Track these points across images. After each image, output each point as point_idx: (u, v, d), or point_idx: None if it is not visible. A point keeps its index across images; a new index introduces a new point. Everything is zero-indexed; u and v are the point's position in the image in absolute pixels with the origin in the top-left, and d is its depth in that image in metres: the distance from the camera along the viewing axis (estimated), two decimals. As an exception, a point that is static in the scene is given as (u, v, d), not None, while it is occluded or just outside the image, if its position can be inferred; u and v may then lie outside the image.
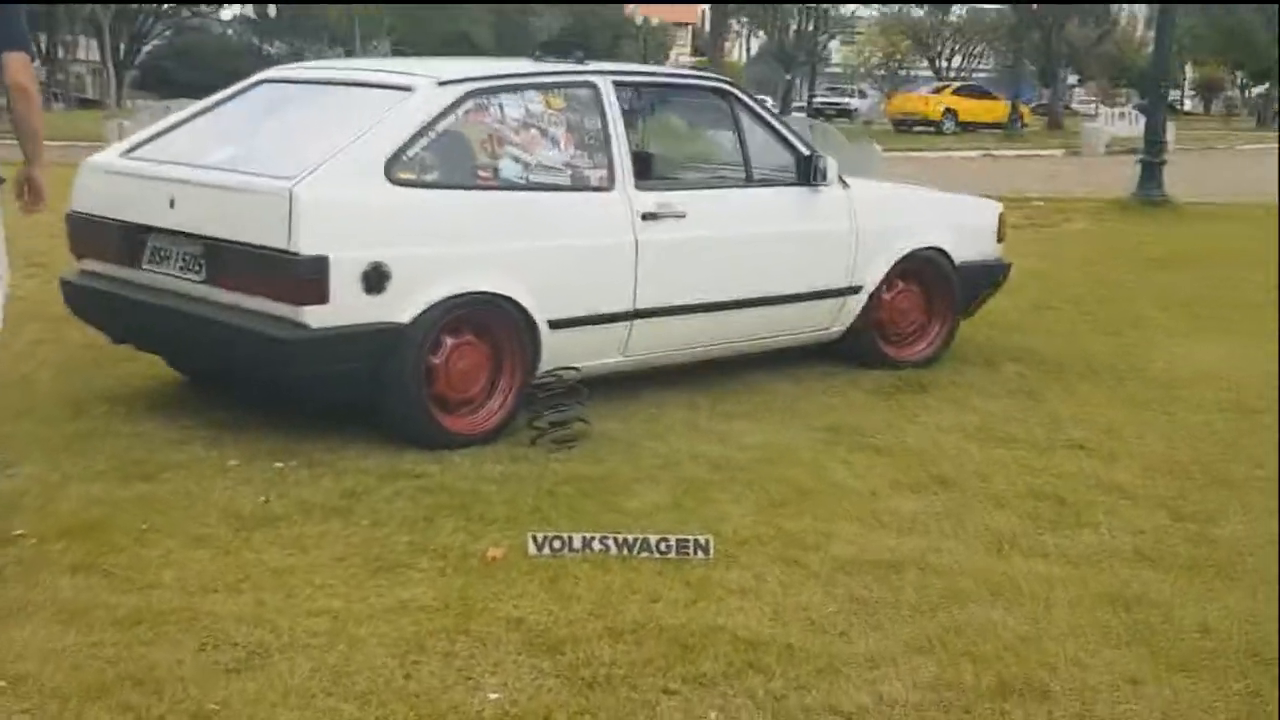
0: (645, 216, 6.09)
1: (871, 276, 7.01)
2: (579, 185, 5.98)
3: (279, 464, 5.27)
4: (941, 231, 7.29)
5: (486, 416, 5.69)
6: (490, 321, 5.66)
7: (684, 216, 6.22)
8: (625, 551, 4.36)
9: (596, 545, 4.38)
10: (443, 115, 5.62)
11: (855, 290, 6.97)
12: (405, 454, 5.39)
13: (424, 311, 5.40)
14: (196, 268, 5.55)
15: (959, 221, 7.47)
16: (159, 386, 6.41)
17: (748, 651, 3.65)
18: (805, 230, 6.75)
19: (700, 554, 4.36)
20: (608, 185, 6.04)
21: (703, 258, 6.30)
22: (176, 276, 5.62)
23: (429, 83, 5.72)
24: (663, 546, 4.37)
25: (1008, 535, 4.70)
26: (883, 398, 6.63)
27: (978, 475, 5.37)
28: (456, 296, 5.48)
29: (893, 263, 7.06)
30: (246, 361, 5.53)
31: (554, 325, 5.80)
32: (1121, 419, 6.41)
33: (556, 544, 4.38)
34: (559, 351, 5.86)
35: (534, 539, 4.38)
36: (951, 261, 7.31)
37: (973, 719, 3.36)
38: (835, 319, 6.99)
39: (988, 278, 7.64)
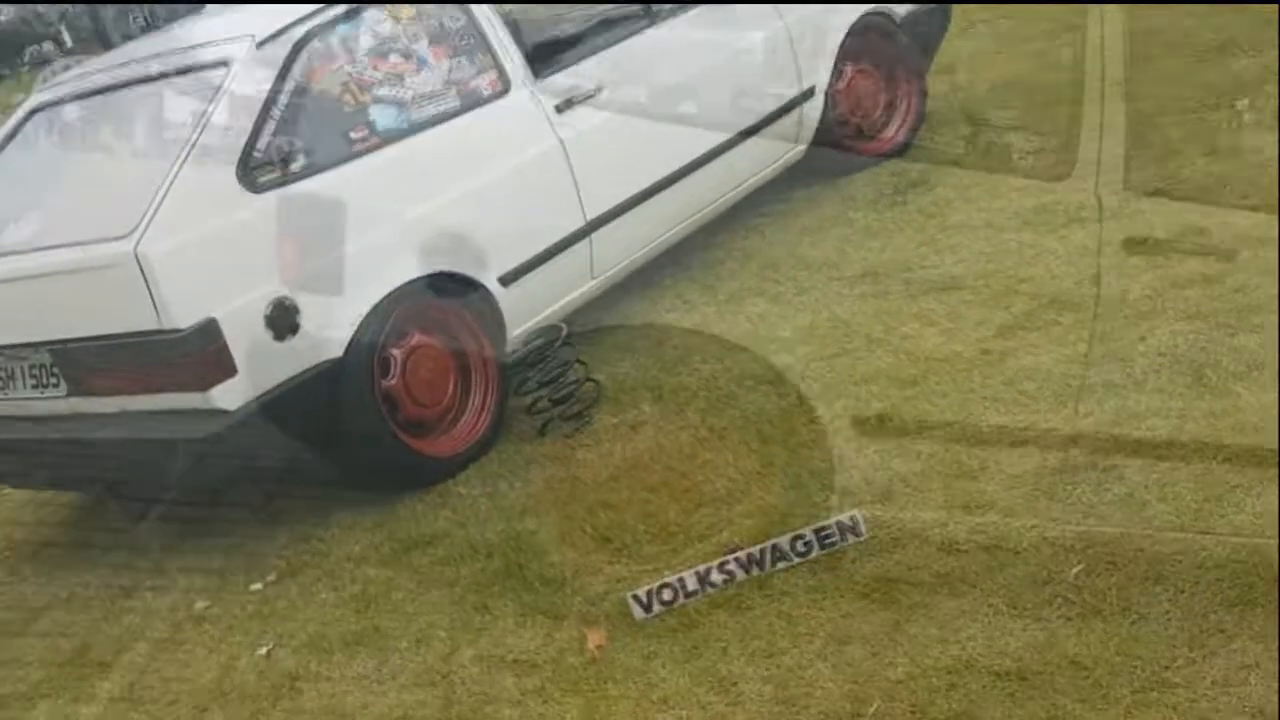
0: (559, 109, 4.87)
1: (821, 71, 5.82)
2: (470, 102, 4.70)
3: (256, 585, 4.10)
4: (875, -10, 6.09)
5: (474, 420, 4.52)
6: (434, 310, 4.46)
7: (600, 90, 5.00)
8: (756, 571, 3.27)
9: (716, 577, 3.28)
10: (280, 82, 4.30)
11: (809, 94, 5.79)
12: (398, 511, 4.23)
13: (356, 333, 4.19)
14: (53, 381, 4.27)
15: (886, -30, 6.24)
16: (59, 519, 5.15)
17: (1030, 698, 2.58)
18: (734, 51, 5.53)
19: (852, 538, 3.28)
20: (502, 89, 4.79)
21: (638, 130, 5.10)
22: (34, 399, 4.34)
23: (245, 48, 4.36)
24: (800, 548, 3.29)
25: (1201, 353, 3.66)
26: (892, 207, 5.51)
27: (1086, 281, 4.29)
28: (385, 299, 4.26)
29: (837, 47, 5.87)
30: (165, 475, 4.30)
31: (506, 281, 4.62)
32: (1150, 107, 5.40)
33: (666, 595, 3.27)
34: (523, 308, 4.68)
35: (637, 601, 3.27)
36: (894, 20, 6.15)
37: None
38: (797, 135, 5.82)
39: (938, 21, 6.50)
